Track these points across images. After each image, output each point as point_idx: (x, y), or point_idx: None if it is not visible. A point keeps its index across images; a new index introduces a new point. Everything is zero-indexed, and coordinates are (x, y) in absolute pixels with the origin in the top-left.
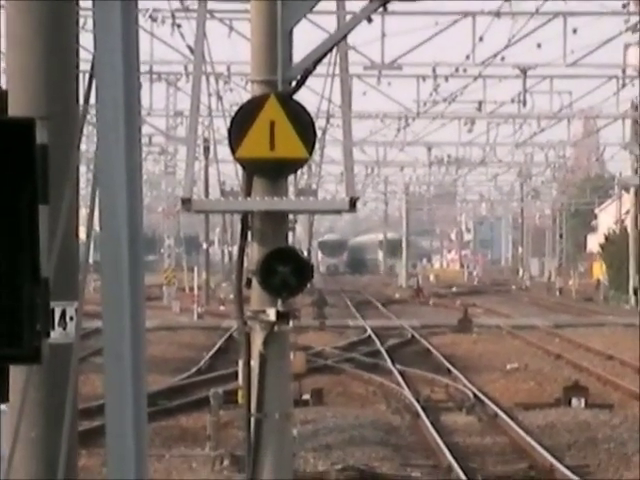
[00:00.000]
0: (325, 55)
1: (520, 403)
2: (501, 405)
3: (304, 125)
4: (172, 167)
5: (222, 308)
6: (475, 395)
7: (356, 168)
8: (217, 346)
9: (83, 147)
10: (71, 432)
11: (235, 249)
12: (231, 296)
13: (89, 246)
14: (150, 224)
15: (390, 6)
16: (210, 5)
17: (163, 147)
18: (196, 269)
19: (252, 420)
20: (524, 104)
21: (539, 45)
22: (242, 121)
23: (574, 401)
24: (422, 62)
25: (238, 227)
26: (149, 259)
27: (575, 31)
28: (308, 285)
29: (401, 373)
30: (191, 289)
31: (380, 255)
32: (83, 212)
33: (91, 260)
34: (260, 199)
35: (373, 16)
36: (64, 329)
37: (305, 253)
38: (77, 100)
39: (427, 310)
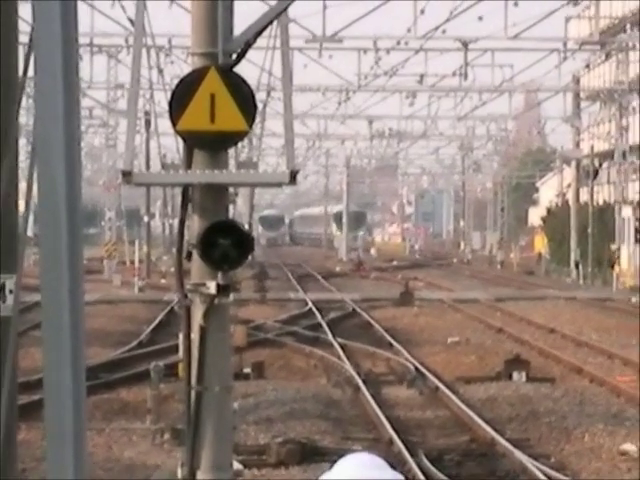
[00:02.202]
0: (266, 28)
1: (461, 377)
2: (442, 379)
3: (244, 98)
4: (113, 140)
5: (163, 281)
6: (416, 369)
7: (297, 141)
8: (158, 319)
9: (23, 120)
10: (10, 406)
11: (176, 222)
12: (172, 269)
13: (27, 219)
14: (91, 197)
15: None
16: None
17: (104, 120)
18: (137, 242)
19: (192, 393)
20: (465, 77)
21: (480, 18)
22: (182, 94)
23: (515, 375)
24: (363, 35)
25: (179, 200)
26: (90, 232)
27: (516, 4)
28: (249, 258)
29: (342, 347)
30: (132, 262)
31: (334, 228)
32: (23, 185)
33: (30, 233)
34: (200, 172)
35: None
36: (3, 302)
37: (246, 226)
38: (17, 72)
39: (368, 283)
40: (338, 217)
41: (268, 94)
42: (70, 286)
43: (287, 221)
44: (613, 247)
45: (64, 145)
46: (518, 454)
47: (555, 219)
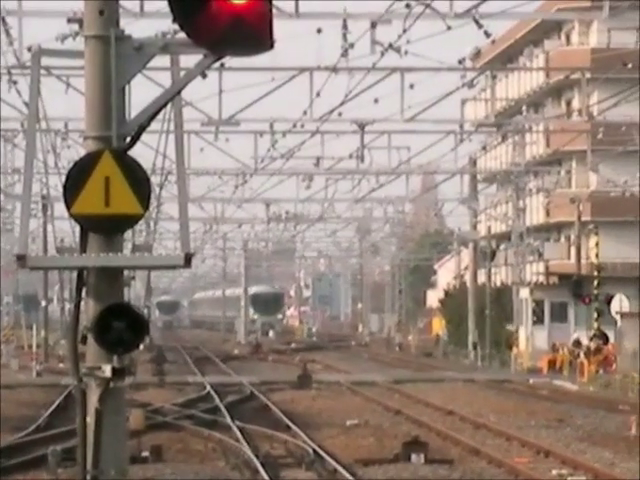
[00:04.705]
0: (160, 111)
1: (360, 459)
2: (341, 461)
3: (139, 181)
4: (10, 224)
5: (61, 365)
6: (315, 451)
7: (194, 225)
8: (56, 404)
9: None
10: None
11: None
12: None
13: None
14: None
15: (226, 62)
16: (47, 61)
17: (1, 204)
18: (35, 327)
19: (88, 477)
20: (362, 160)
21: (376, 100)
22: (77, 177)
23: (414, 456)
24: (260, 118)
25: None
26: None
27: (412, 86)
28: (147, 341)
29: (240, 429)
30: (30, 347)
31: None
32: None
33: None
34: (95, 255)
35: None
36: None
37: (144, 309)
38: None
39: (266, 366)
40: (255, 299)
41: (165, 177)
42: None
43: (186, 304)
44: (511, 328)
45: None
46: None
47: (453, 301)
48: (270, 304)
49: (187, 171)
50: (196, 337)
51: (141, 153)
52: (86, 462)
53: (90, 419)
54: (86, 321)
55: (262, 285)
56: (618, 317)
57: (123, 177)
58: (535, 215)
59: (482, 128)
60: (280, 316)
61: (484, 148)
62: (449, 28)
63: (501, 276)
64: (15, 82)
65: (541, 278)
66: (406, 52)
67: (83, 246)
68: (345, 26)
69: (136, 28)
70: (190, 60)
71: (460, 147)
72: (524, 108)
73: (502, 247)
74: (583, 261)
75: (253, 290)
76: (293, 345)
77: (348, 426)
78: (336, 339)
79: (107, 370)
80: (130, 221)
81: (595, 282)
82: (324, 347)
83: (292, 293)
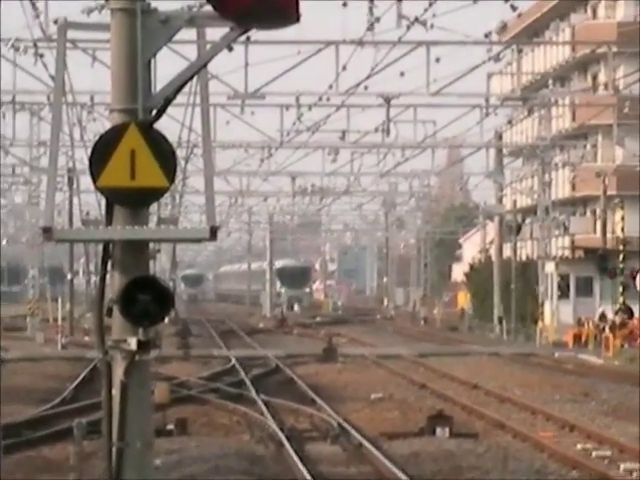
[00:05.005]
0: (185, 84)
1: (385, 433)
2: (366, 435)
3: (165, 154)
4: (36, 198)
5: (86, 339)
6: (340, 425)
7: (219, 198)
8: (81, 376)
9: None
10: None
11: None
12: None
13: None
14: (14, 255)
15: (252, 35)
16: (73, 35)
17: (27, 177)
18: (60, 300)
19: (113, 449)
20: (388, 133)
21: (402, 74)
22: (103, 150)
23: (438, 430)
24: (285, 91)
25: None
26: (13, 290)
27: (438, 60)
28: (172, 315)
29: (265, 403)
30: (55, 320)
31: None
32: None
33: None
34: (121, 228)
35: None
36: None
37: (169, 282)
38: None
39: (291, 339)
40: (281, 273)
41: (191, 151)
42: None
43: (211, 277)
44: (536, 301)
45: None
46: None
47: (478, 275)
48: (297, 278)
49: (213, 144)
50: (221, 310)
51: (167, 126)
52: (111, 435)
53: (115, 392)
54: (112, 294)
55: (289, 259)
56: None
57: (149, 150)
58: (561, 189)
59: (508, 102)
60: (308, 290)
61: (510, 122)
62: (475, 2)
63: (526, 250)
64: (41, 55)
65: (566, 252)
66: (432, 26)
67: (109, 219)
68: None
69: (162, 1)
70: (216, 33)
71: (486, 121)
72: (550, 82)
73: (527, 221)
74: (609, 235)
75: (281, 264)
76: (318, 319)
77: (373, 400)
78: (361, 313)
79: (132, 343)
80: (156, 194)
81: (620, 256)
82: (349, 321)
83: (317, 267)
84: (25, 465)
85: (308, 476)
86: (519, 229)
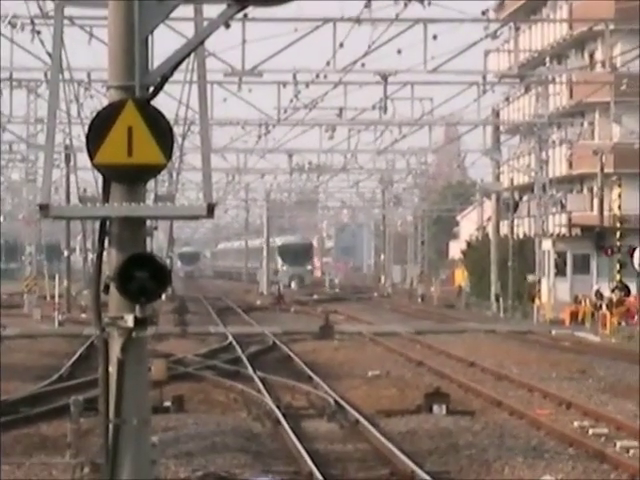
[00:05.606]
0: (182, 61)
1: (381, 410)
2: (363, 412)
3: (162, 131)
4: (33, 175)
5: (83, 316)
6: (336, 402)
7: (217, 175)
8: (78, 353)
9: None
10: None
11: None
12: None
13: None
14: (11, 232)
15: (250, 12)
16: (70, 12)
17: (24, 154)
18: (57, 277)
19: (110, 426)
20: (385, 111)
21: (399, 51)
22: (100, 127)
23: (435, 408)
24: (283, 68)
25: None
26: (10, 267)
27: (435, 37)
28: (169, 292)
29: (262, 380)
30: (52, 297)
31: (279, 262)
32: None
33: None
34: (118, 205)
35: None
36: None
37: (167, 260)
38: None
39: (288, 317)
40: (283, 250)
41: (187, 128)
42: None
43: (208, 255)
44: (533, 278)
45: None
46: None
47: (475, 252)
48: (299, 255)
49: (210, 121)
50: (218, 288)
51: (164, 103)
52: (108, 411)
53: (112, 369)
54: (109, 271)
55: (290, 235)
56: None
57: (146, 127)
58: (558, 167)
59: (505, 79)
60: (309, 267)
61: (507, 99)
62: None
63: (524, 227)
64: (38, 32)
65: (563, 230)
66: (429, 3)
67: (106, 196)
68: None
69: None
70: (213, 10)
71: (483, 98)
72: (547, 59)
73: (525, 198)
74: (606, 213)
75: (282, 241)
76: (315, 296)
77: (370, 377)
78: (358, 290)
79: (129, 320)
80: (153, 171)
81: (618, 234)
82: (346, 298)
83: (314, 244)
84: (22, 442)
85: (305, 453)
86: (516, 207)
